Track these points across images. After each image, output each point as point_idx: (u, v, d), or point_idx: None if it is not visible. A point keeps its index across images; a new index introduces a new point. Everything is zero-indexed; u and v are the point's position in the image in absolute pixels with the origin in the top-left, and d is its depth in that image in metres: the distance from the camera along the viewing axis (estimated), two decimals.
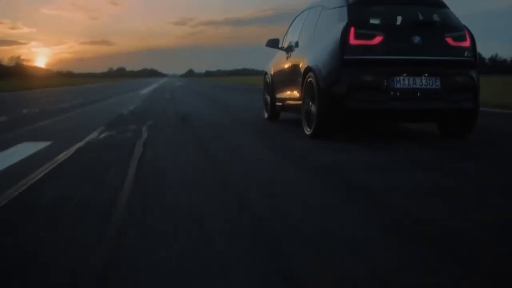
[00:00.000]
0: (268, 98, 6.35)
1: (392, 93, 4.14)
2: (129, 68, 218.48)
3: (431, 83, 4.19)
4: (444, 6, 4.54)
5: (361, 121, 4.57)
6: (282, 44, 6.02)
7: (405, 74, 4.16)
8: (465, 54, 4.31)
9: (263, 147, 4.25)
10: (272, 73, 6.27)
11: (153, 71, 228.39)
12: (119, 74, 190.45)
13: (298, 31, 5.49)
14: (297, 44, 5.39)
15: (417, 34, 4.20)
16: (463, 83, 4.28)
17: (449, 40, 4.27)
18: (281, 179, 2.82)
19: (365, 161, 3.39)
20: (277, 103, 5.98)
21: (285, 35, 6.09)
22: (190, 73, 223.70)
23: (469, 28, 4.43)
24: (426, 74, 4.18)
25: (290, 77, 5.37)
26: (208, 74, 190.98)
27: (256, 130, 5.44)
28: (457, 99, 4.24)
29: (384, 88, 4.14)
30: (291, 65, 5.36)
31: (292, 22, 6.00)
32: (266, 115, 6.49)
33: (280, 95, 5.84)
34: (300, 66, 4.92)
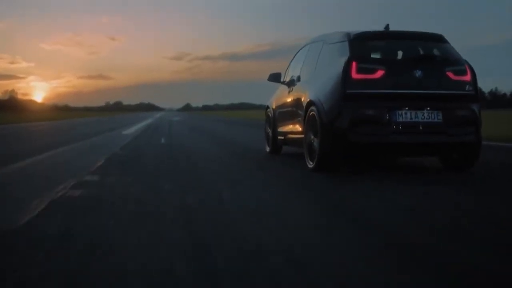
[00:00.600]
0: (270, 132, 6.45)
1: (394, 126, 4.23)
2: (126, 102, 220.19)
3: (433, 117, 4.29)
4: (444, 41, 4.69)
5: (364, 155, 4.63)
6: (283, 78, 6.16)
7: (407, 108, 4.26)
8: (466, 88, 4.43)
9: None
10: (274, 107, 6.38)
11: (150, 105, 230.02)
12: (116, 108, 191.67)
13: (300, 66, 5.63)
14: (299, 78, 5.52)
15: (418, 68, 4.32)
16: (465, 116, 4.38)
17: (450, 74, 4.39)
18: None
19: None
20: (279, 137, 6.06)
21: (286, 69, 6.24)
22: (187, 107, 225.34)
23: (469, 61, 4.56)
24: (428, 108, 4.28)
25: (292, 111, 5.47)
26: (206, 108, 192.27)
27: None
28: (459, 132, 4.33)
29: (386, 122, 4.23)
30: (293, 99, 5.47)
31: (294, 57, 6.15)
32: (268, 149, 6.57)
33: (282, 129, 5.93)
34: (302, 100, 5.03)
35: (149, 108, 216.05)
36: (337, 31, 4.96)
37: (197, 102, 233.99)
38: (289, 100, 5.67)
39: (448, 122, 4.29)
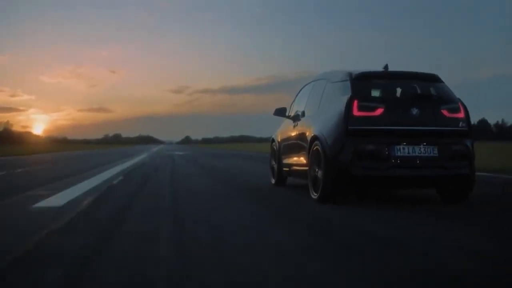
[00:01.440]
0: (275, 165, 6.86)
1: (393, 160, 4.63)
2: (125, 134, 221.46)
3: (429, 152, 4.69)
4: (439, 80, 5.15)
5: (365, 187, 5.03)
6: (289, 113, 6.62)
7: (405, 143, 4.67)
8: (460, 125, 4.86)
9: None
10: (279, 140, 6.82)
11: (149, 138, 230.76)
12: (115, 140, 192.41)
13: (305, 102, 6.10)
14: (303, 114, 5.97)
15: (415, 106, 4.76)
16: (459, 151, 4.78)
17: (445, 112, 4.83)
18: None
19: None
20: (284, 168, 6.48)
21: (291, 105, 6.70)
22: (187, 140, 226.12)
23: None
24: (425, 143, 4.69)
25: (297, 144, 5.90)
26: (205, 141, 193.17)
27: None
28: (453, 166, 4.73)
29: (385, 156, 4.63)
30: (298, 133, 5.90)
31: (298, 93, 6.63)
32: (273, 181, 6.98)
33: (287, 161, 6.35)
34: (307, 134, 5.46)
35: (149, 140, 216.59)
36: (339, 70, 5.44)
37: (196, 135, 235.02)
38: (294, 134, 6.11)
39: (443, 156, 4.69)
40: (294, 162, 6.03)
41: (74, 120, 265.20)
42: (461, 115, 4.88)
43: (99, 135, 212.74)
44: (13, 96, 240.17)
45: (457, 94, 5.10)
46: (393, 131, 4.72)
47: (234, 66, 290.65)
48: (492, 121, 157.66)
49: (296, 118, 6.20)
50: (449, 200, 5.04)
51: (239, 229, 3.55)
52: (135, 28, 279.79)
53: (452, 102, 4.93)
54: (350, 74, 5.09)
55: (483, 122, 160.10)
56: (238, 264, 2.48)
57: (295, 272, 2.36)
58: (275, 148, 7.00)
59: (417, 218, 4.13)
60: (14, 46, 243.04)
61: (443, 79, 5.21)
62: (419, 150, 4.68)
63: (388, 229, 3.59)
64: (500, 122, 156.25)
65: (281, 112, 6.77)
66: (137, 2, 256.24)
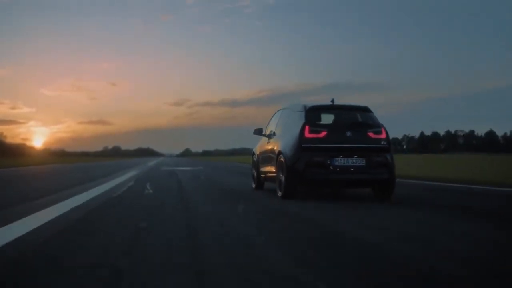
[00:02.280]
0: (255, 173, 8.99)
1: (332, 168, 6.73)
2: (124, 147, 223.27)
3: (359, 162, 6.78)
4: (369, 111, 7.27)
5: (313, 187, 7.13)
6: (264, 132, 8.74)
7: (341, 156, 6.76)
8: (382, 143, 6.95)
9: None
10: (257, 153, 8.98)
11: (149, 150, 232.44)
12: (114, 153, 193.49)
13: (275, 124, 8.24)
14: (274, 134, 8.11)
15: (349, 130, 6.88)
16: (381, 162, 6.87)
17: (371, 134, 6.94)
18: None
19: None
20: (262, 175, 8.60)
21: (267, 126, 8.84)
22: (187, 153, 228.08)
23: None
24: (356, 156, 6.78)
25: (269, 156, 8.02)
26: (206, 153, 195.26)
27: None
28: (376, 172, 6.82)
29: (327, 166, 6.72)
30: (270, 148, 8.04)
31: (272, 117, 8.76)
32: (253, 185, 9.10)
33: (263, 169, 8.47)
34: (275, 149, 7.58)
35: (148, 153, 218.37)
36: (299, 103, 7.57)
37: (197, 148, 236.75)
38: (267, 149, 8.24)
39: (369, 166, 6.78)
40: (268, 170, 8.14)
41: (74, 132, 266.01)
42: (383, 136, 6.99)
43: (98, 147, 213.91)
44: (13, 108, 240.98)
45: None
46: (333, 148, 6.82)
47: (234, 79, 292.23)
48: (500, 132, 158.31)
49: (269, 137, 8.33)
50: (379, 197, 7.11)
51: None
52: (135, 41, 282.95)
53: (376, 127, 7.04)
54: (305, 106, 7.22)
55: (490, 134, 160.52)
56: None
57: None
58: (254, 159, 9.15)
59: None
60: (15, 59, 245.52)
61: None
62: (352, 161, 6.77)
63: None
64: (508, 133, 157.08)
65: (259, 132, 8.91)
66: (138, 15, 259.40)
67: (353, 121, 7.23)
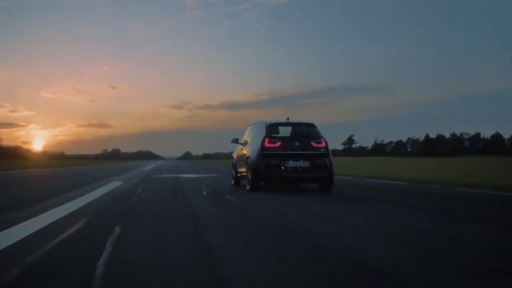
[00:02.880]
0: (234, 172, 11.78)
1: (284, 169, 9.49)
2: (124, 150, 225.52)
3: (305, 164, 9.54)
4: (314, 126, 10.05)
5: (271, 183, 9.92)
6: (240, 141, 11.52)
7: (291, 160, 9.52)
8: (321, 150, 9.71)
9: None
10: (235, 157, 11.79)
11: (149, 153, 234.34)
12: (114, 156, 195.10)
13: (247, 135, 11.03)
14: (246, 143, 10.89)
15: (297, 140, 9.65)
16: (321, 164, 9.62)
17: (313, 143, 9.70)
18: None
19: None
20: (238, 174, 11.38)
21: (242, 137, 11.61)
22: (187, 156, 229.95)
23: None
24: (302, 160, 9.54)
25: (243, 160, 10.79)
26: (207, 156, 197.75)
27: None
28: (318, 172, 9.58)
29: (281, 167, 9.49)
30: (243, 154, 10.81)
31: (245, 130, 11.54)
32: (233, 182, 11.89)
33: (239, 170, 11.26)
34: (246, 154, 10.36)
35: (148, 156, 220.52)
36: (263, 121, 10.34)
37: (197, 151, 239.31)
38: (241, 154, 11.01)
39: (312, 167, 9.53)
40: (242, 171, 10.91)
41: (74, 135, 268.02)
42: (323, 145, 9.74)
43: (98, 150, 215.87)
44: (13, 111, 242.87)
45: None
46: (285, 154, 9.58)
47: (234, 81, 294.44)
48: (506, 135, 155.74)
49: (243, 145, 11.11)
50: (323, 190, 9.86)
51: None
52: (135, 44, 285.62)
53: (318, 138, 9.80)
54: (266, 123, 10.00)
55: (496, 137, 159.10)
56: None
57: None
58: (233, 162, 11.95)
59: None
60: (15, 61, 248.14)
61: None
62: (299, 163, 9.53)
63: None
64: None
65: (236, 140, 11.72)
66: (138, 18, 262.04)
67: (301, 134, 10.00)
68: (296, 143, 9.67)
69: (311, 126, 10.14)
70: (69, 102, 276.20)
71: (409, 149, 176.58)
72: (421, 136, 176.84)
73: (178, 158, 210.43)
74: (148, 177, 17.96)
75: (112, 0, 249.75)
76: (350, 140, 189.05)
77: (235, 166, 11.80)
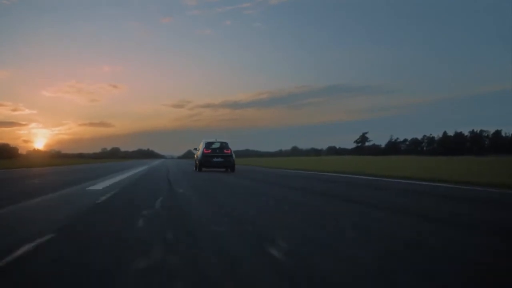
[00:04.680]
0: (196, 163, 26.96)
1: (212, 161, 24.54)
2: (125, 148, 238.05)
3: (221, 159, 24.59)
4: (227, 143, 25.22)
5: (207, 168, 25.05)
6: (197, 149, 26.66)
7: (215, 158, 24.55)
8: (229, 154, 24.75)
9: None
10: (195, 156, 27.04)
11: (149, 152, 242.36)
12: (112, 154, 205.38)
13: (199, 146, 26.15)
14: (197, 149, 26.18)
15: (218, 149, 24.80)
16: (228, 160, 24.69)
17: (225, 151, 24.79)
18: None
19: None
20: (196, 164, 26.55)
21: (199, 145, 26.66)
22: (188, 155, 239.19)
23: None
24: (220, 158, 24.56)
25: (197, 158, 25.93)
26: None
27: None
28: (226, 163, 24.66)
29: (210, 160, 24.55)
30: (197, 155, 25.98)
31: (200, 143, 26.56)
32: (194, 169, 27.01)
33: (196, 163, 26.37)
34: (197, 155, 25.54)
35: (148, 155, 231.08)
36: (206, 140, 25.37)
37: None
38: (197, 155, 26.13)
39: (224, 161, 24.56)
40: (197, 163, 25.90)
41: (75, 134, 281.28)
42: (229, 152, 24.81)
43: (98, 149, 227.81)
44: (14, 110, 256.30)
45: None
46: (213, 155, 24.58)
47: (235, 81, 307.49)
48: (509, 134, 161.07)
49: (197, 151, 26.24)
50: (228, 172, 24.74)
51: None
52: (136, 43, 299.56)
53: (227, 148, 24.85)
54: (205, 141, 25.12)
55: (496, 134, 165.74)
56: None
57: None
58: (195, 158, 27.06)
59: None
60: (16, 61, 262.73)
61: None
62: (219, 159, 24.55)
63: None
64: None
65: (195, 149, 26.91)
66: (138, 18, 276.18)
67: (220, 146, 24.95)
68: (218, 150, 24.51)
69: (225, 143, 25.00)
70: (70, 101, 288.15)
71: (424, 148, 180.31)
72: (438, 134, 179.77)
73: (179, 157, 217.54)
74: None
75: (112, 0, 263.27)
76: (363, 138, 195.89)
77: (195, 161, 26.72)
